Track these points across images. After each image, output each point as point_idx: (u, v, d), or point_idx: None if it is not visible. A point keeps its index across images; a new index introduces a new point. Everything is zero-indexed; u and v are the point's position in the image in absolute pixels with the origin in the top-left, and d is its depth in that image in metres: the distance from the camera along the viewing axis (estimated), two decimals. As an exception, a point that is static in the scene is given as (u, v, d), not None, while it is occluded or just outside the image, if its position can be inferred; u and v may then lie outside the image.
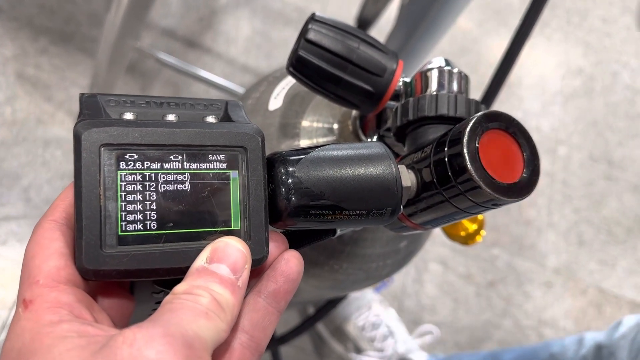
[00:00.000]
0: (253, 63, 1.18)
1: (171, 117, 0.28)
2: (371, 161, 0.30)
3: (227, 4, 1.22)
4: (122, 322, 0.28)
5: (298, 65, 0.36)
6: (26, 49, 1.04)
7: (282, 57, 1.20)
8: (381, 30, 1.21)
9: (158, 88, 1.08)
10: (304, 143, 0.45)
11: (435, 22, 0.82)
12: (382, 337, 0.95)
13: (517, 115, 1.33)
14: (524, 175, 0.30)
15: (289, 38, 1.22)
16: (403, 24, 0.83)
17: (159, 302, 0.30)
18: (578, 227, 1.25)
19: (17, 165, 0.96)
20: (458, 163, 0.30)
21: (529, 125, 1.32)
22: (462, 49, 1.36)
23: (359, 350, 0.95)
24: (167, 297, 0.24)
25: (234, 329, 0.26)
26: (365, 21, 1.18)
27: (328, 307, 0.70)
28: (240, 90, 1.00)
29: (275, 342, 0.76)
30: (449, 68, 0.36)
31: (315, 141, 0.45)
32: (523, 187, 0.30)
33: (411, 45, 0.83)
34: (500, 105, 1.32)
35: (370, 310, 0.97)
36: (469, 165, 0.29)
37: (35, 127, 0.99)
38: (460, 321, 1.10)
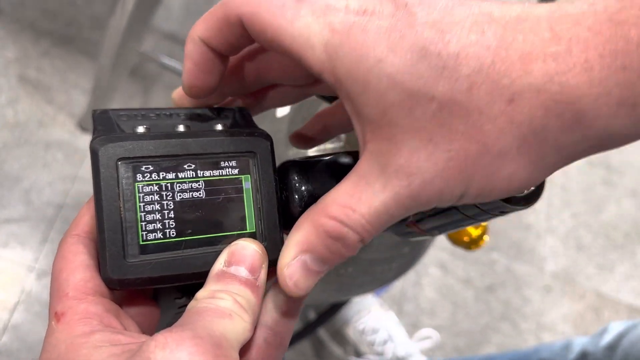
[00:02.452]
0: (254, 67, 1.18)
1: (182, 128, 0.29)
2: None
3: (229, 7, 1.23)
4: (149, 328, 0.29)
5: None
6: (28, 51, 1.05)
7: (283, 61, 1.20)
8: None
9: (159, 91, 1.09)
10: (311, 150, 0.46)
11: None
12: (381, 341, 0.95)
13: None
14: (531, 183, 0.31)
15: (289, 42, 1.22)
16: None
17: (182, 307, 0.31)
18: (576, 232, 1.26)
19: (18, 168, 0.96)
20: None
21: (528, 130, 1.33)
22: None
23: (358, 354, 0.96)
24: (191, 303, 0.25)
25: (257, 326, 0.27)
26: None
27: (329, 313, 0.71)
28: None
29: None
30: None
31: (323, 147, 0.46)
32: (530, 195, 0.31)
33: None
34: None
35: (370, 314, 0.98)
36: (478, 174, 0.30)
37: (36, 129, 1.00)
38: (459, 325, 1.10)
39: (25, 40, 1.05)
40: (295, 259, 0.25)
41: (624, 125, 0.21)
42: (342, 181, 0.25)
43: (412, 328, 1.06)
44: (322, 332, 0.99)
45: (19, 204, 0.94)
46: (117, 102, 1.04)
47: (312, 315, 0.95)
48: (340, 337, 0.98)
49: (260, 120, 0.48)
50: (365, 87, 0.22)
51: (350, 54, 0.22)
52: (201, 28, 0.27)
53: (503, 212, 0.31)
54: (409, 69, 0.21)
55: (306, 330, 0.77)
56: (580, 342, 0.72)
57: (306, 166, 0.29)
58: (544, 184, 0.32)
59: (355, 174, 0.24)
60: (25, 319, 0.87)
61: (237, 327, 0.24)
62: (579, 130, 0.21)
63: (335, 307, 0.71)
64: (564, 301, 1.18)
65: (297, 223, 0.26)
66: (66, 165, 0.99)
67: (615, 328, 0.68)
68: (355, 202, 0.24)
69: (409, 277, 1.11)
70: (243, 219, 0.28)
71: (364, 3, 0.23)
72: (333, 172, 0.30)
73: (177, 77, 1.07)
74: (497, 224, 1.20)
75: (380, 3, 0.23)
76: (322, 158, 0.30)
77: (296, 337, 0.78)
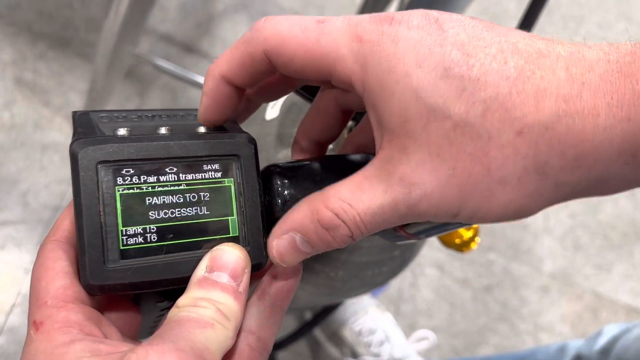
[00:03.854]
0: (251, 68, 1.18)
1: (164, 130, 0.29)
2: None
3: (225, 9, 1.23)
4: (130, 332, 0.29)
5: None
6: (24, 54, 1.05)
7: (279, 62, 1.20)
8: (378, 35, 1.21)
9: (155, 93, 1.09)
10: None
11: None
12: (378, 342, 0.95)
13: (514, 120, 1.34)
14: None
15: (286, 43, 1.22)
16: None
17: (164, 310, 0.30)
18: (574, 232, 1.26)
19: (15, 170, 0.96)
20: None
21: (525, 130, 1.33)
22: (459, 54, 1.37)
23: (355, 355, 0.96)
24: (172, 311, 0.25)
25: (240, 331, 0.27)
26: (362, 27, 1.18)
27: (325, 313, 0.71)
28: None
29: (273, 348, 0.77)
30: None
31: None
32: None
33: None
34: (496, 110, 1.32)
35: (367, 315, 0.98)
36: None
37: (33, 131, 1.00)
38: (456, 326, 1.10)
39: (22, 43, 1.05)
40: (286, 235, 0.26)
41: (622, 172, 0.22)
42: (348, 178, 0.26)
43: (409, 329, 1.05)
44: (319, 333, 0.99)
45: (16, 207, 0.94)
46: (113, 104, 1.04)
47: (308, 315, 0.95)
48: (337, 338, 0.98)
49: (249, 122, 0.48)
50: (391, 97, 0.23)
51: (381, 64, 0.23)
52: (223, 65, 0.27)
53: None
54: (431, 86, 0.22)
55: (302, 331, 0.76)
56: (575, 345, 0.72)
57: (289, 170, 0.29)
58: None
59: (361, 174, 0.25)
60: (22, 322, 0.87)
61: (219, 336, 0.24)
62: (579, 171, 0.22)
63: (331, 307, 0.71)
64: (562, 301, 1.18)
65: (297, 204, 0.27)
66: (63, 168, 0.99)
67: (609, 331, 0.68)
68: (355, 200, 0.25)
69: (406, 277, 1.11)
70: (226, 223, 0.28)
71: (390, 12, 0.24)
72: (317, 176, 0.30)
73: (173, 79, 1.07)
74: (494, 224, 1.20)
75: (408, 12, 0.24)
76: (305, 162, 0.30)
77: (292, 338, 0.78)
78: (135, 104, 1.07)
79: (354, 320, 0.97)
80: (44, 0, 1.10)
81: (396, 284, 1.09)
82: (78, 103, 1.03)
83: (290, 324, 0.97)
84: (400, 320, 1.06)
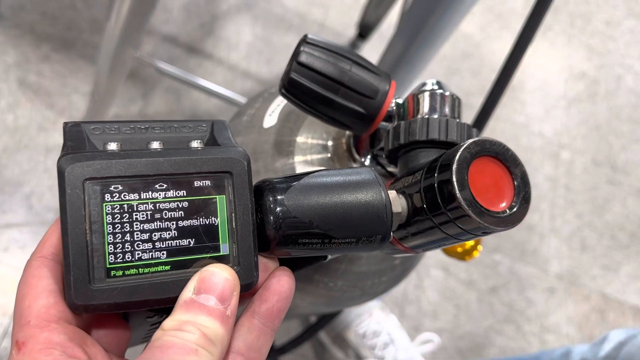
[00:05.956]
0: (254, 69, 1.18)
1: (156, 144, 0.28)
2: (360, 188, 0.30)
3: (229, 9, 1.22)
4: (119, 349, 0.29)
5: (290, 88, 0.36)
6: (28, 56, 1.05)
7: (283, 63, 1.20)
8: (382, 35, 1.20)
9: (159, 95, 1.09)
10: (298, 160, 0.45)
11: (436, 29, 0.81)
12: (383, 344, 0.94)
13: (520, 119, 1.32)
14: (513, 203, 0.30)
15: (290, 43, 1.21)
16: (404, 30, 0.83)
17: (155, 324, 0.30)
18: (581, 232, 1.24)
19: (18, 173, 0.96)
20: (447, 190, 0.30)
21: (532, 129, 1.32)
22: (465, 54, 1.36)
23: (359, 358, 0.95)
24: (157, 333, 0.24)
25: (229, 352, 0.27)
26: (366, 26, 1.18)
27: (329, 316, 0.70)
28: (238, 98, 1.00)
29: (276, 353, 0.77)
30: (441, 91, 0.36)
31: (310, 158, 0.45)
32: (513, 216, 0.30)
33: (412, 51, 0.83)
34: (502, 109, 1.31)
35: (372, 317, 0.97)
36: (458, 193, 0.29)
37: (37, 134, 1.00)
38: (462, 327, 1.09)
39: (26, 45, 1.05)
40: None
41: None
42: None
43: (414, 331, 1.05)
44: (323, 336, 0.98)
45: (20, 209, 0.94)
46: (116, 106, 1.03)
47: (312, 318, 0.95)
48: (341, 341, 0.97)
49: (247, 130, 0.48)
50: None
51: None
52: None
53: (485, 233, 0.31)
54: None
55: (306, 334, 0.76)
56: (579, 351, 0.71)
57: (282, 186, 0.29)
58: (528, 205, 0.31)
59: None
60: (26, 325, 0.87)
61: None
62: None
63: (332, 315, 0.70)
64: (569, 303, 1.17)
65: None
66: (66, 170, 0.99)
67: (615, 337, 0.67)
68: None
69: (411, 279, 1.10)
70: (216, 241, 0.27)
71: None
72: (310, 191, 0.29)
73: (176, 81, 1.07)
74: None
75: None
76: (298, 177, 0.30)
77: (297, 341, 0.78)
78: (138, 106, 1.07)
79: (358, 322, 0.97)
80: (48, 2, 1.10)
81: (401, 286, 1.09)
82: (82, 105, 1.03)
83: (294, 327, 0.97)
84: (405, 322, 1.05)
